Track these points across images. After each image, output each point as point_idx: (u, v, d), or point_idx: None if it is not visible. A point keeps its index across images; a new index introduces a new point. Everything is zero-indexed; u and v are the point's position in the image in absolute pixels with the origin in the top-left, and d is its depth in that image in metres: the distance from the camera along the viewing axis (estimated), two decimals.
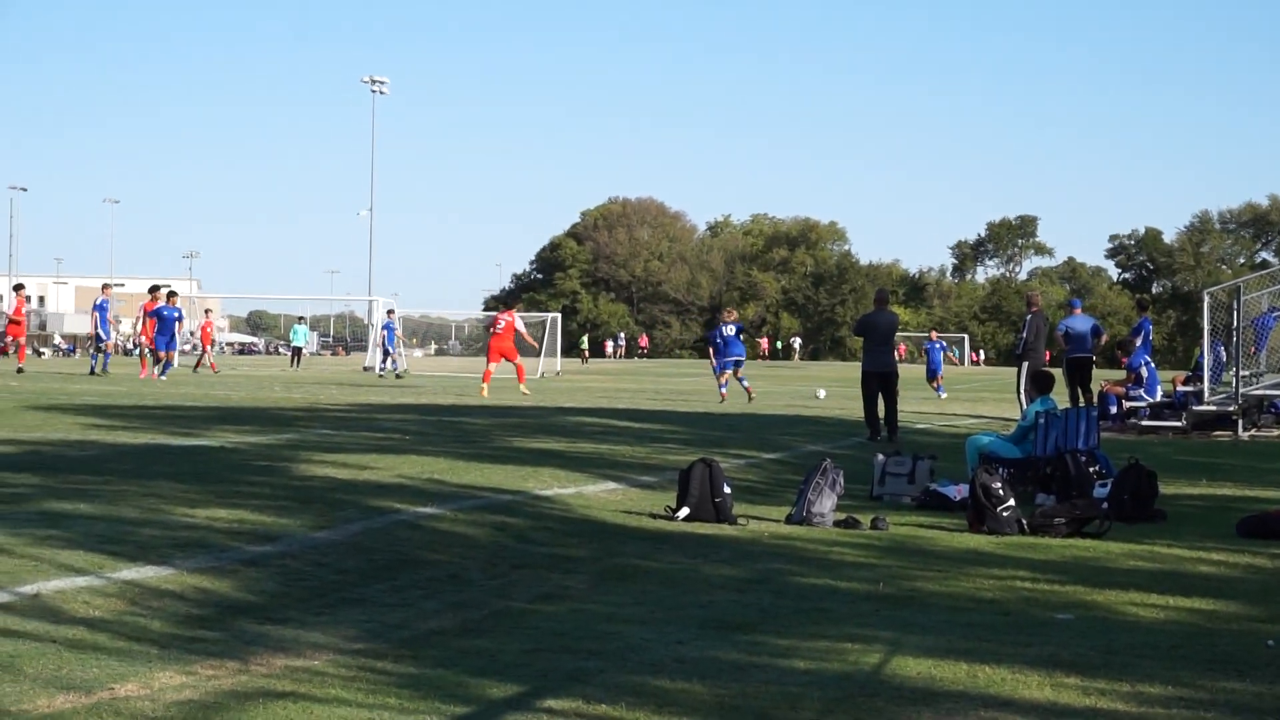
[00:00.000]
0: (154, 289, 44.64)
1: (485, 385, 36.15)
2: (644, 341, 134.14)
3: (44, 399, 27.28)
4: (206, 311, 64.41)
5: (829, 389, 41.10)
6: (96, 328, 45.72)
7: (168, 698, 6.52)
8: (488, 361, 37.32)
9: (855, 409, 29.41)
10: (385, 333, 56.35)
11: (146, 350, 44.45)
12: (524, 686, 7.01)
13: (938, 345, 48.15)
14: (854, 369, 34.33)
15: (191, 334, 76.11)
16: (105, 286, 47.36)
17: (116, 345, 46.40)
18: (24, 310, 46.43)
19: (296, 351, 67.40)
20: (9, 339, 47.01)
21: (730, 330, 36.30)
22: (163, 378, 41.75)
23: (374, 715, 6.39)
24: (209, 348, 57.62)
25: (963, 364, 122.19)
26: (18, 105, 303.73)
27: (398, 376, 52.51)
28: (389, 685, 6.95)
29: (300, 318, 76.86)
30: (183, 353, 58.13)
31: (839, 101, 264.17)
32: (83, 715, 6.18)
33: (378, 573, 10.03)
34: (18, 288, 46.20)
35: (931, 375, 46.67)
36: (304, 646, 7.70)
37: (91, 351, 47.50)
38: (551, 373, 62.19)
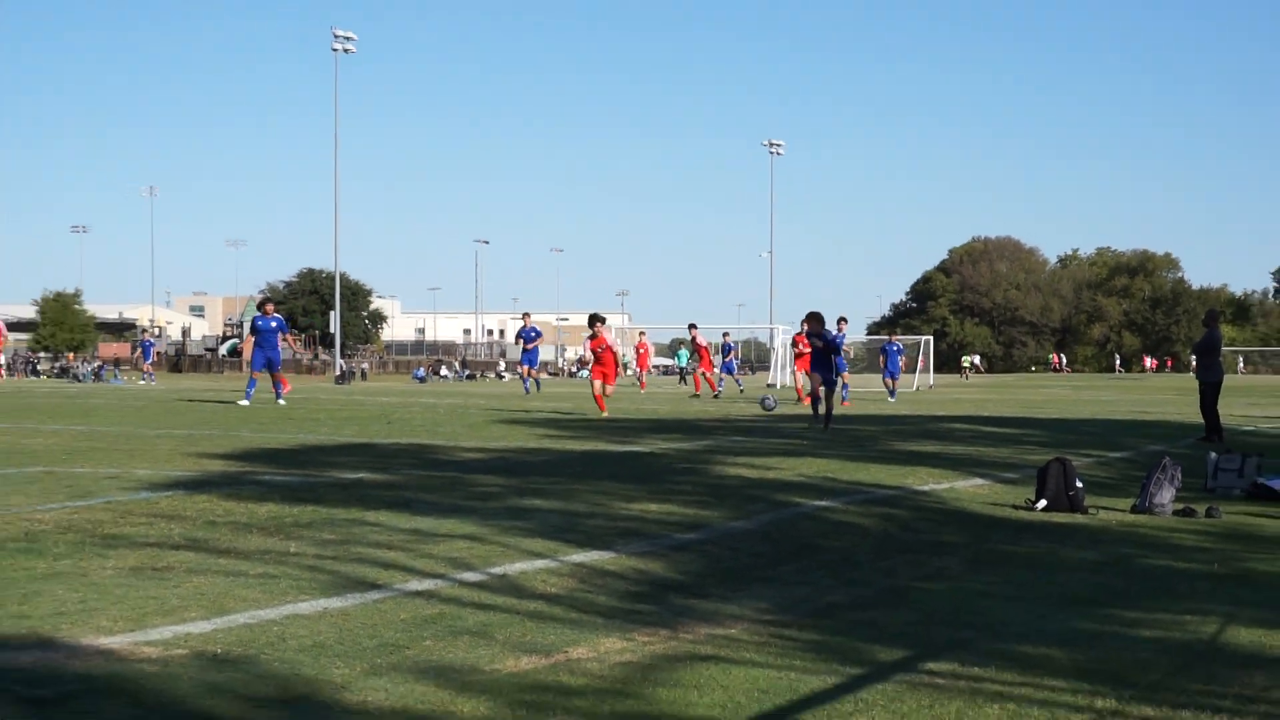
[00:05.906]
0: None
1: None
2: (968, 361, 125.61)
3: (506, 414, 28.10)
4: (640, 334, 64.40)
5: (1160, 397, 39.63)
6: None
7: (612, 660, 6.64)
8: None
9: (1187, 415, 28.47)
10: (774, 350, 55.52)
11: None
12: (909, 651, 6.95)
13: (895, 347, 44.70)
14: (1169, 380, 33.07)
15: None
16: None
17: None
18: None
19: (681, 372, 66.68)
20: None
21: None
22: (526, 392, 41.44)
23: (782, 675, 6.39)
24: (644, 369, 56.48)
25: None
26: (483, 170, 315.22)
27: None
28: (795, 649, 6.96)
29: (682, 341, 76.67)
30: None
31: (1174, 140, 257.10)
32: (544, 674, 6.31)
33: (784, 556, 10.05)
34: (593, 320, 35.89)
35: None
36: (724, 617, 7.75)
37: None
38: (925, 386, 61.55)
